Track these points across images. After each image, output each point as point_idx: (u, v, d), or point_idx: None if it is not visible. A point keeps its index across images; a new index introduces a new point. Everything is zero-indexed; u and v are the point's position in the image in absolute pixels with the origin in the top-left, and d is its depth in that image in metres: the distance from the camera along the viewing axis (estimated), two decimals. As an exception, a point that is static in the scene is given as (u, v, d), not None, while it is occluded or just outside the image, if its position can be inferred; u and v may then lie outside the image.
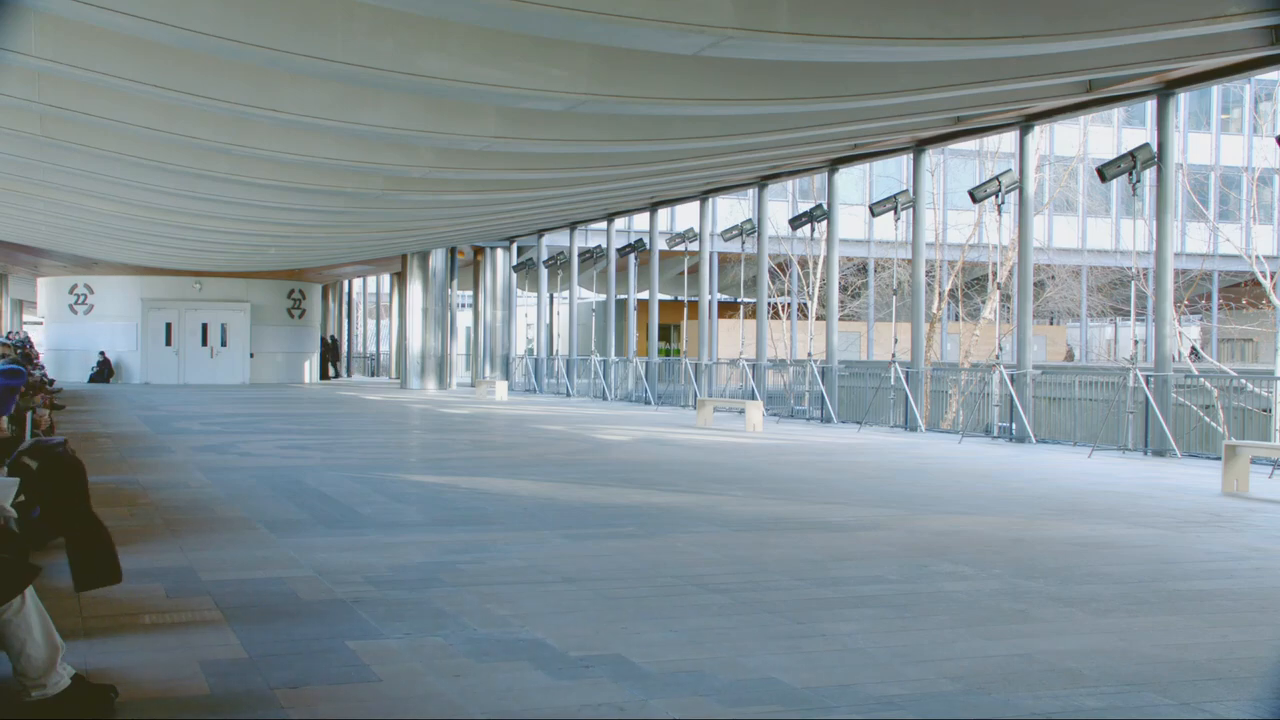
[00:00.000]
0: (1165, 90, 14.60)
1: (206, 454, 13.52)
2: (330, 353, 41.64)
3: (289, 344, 37.59)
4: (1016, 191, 16.71)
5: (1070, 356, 42.94)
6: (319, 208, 19.90)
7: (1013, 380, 16.34)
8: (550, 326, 34.39)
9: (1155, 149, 14.68)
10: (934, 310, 32.10)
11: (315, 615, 5.53)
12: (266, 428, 18.08)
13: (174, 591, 5.97)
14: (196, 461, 12.59)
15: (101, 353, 34.55)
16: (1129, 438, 14.57)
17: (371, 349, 53.19)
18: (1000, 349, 17.14)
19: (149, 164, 15.51)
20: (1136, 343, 14.54)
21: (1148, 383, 14.40)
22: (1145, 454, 14.33)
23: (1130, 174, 14.36)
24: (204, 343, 35.63)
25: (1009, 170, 16.95)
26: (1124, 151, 14.88)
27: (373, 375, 49.25)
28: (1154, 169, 14.57)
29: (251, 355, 36.14)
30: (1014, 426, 16.30)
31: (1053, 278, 40.46)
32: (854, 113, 14.71)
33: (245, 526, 8.18)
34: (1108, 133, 40.45)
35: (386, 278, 49.09)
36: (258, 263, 31.84)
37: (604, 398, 28.22)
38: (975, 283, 39.01)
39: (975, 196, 16.77)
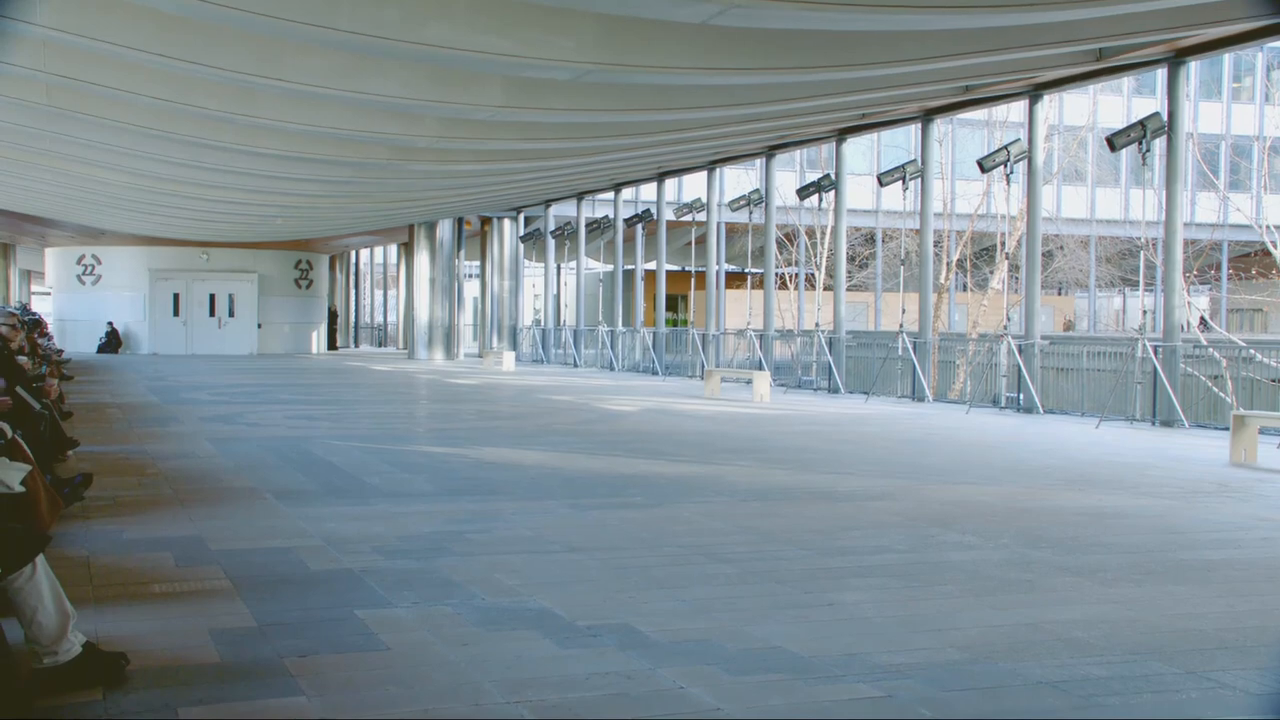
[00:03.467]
0: (1176, 59, 14.46)
1: (215, 424, 13.55)
2: (332, 324, 41.69)
3: (296, 314, 37.62)
4: (1025, 161, 16.61)
5: (1069, 326, 42.80)
6: (325, 178, 19.87)
7: (1020, 351, 16.30)
8: (557, 297, 34.37)
9: (1165, 118, 14.57)
10: (942, 280, 32.01)
11: (324, 585, 5.55)
12: (274, 398, 18.12)
13: (183, 561, 6.00)
14: (205, 432, 12.63)
15: (109, 323, 34.59)
16: (1137, 408, 14.54)
17: (379, 319, 53.22)
18: (1008, 319, 17.08)
19: (155, 134, 15.47)
20: (1145, 313, 14.49)
21: (1156, 353, 14.36)
22: (1153, 424, 14.31)
23: (1140, 143, 14.26)
24: (211, 313, 35.65)
25: (1018, 140, 16.85)
26: (1134, 120, 14.78)
27: (380, 346, 49.31)
28: (1164, 138, 14.47)
29: (259, 326, 36.17)
30: (1021, 397, 16.28)
31: (1061, 248, 40.33)
32: (861, 82, 14.62)
33: (254, 496, 8.21)
34: (1117, 102, 40.17)
35: (394, 248, 49.04)
36: (265, 233, 31.81)
37: (611, 368, 28.23)
38: (983, 253, 38.89)
39: (984, 166, 16.69)
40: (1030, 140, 16.73)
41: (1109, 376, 15.46)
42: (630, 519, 7.49)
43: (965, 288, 38.20)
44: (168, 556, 6.10)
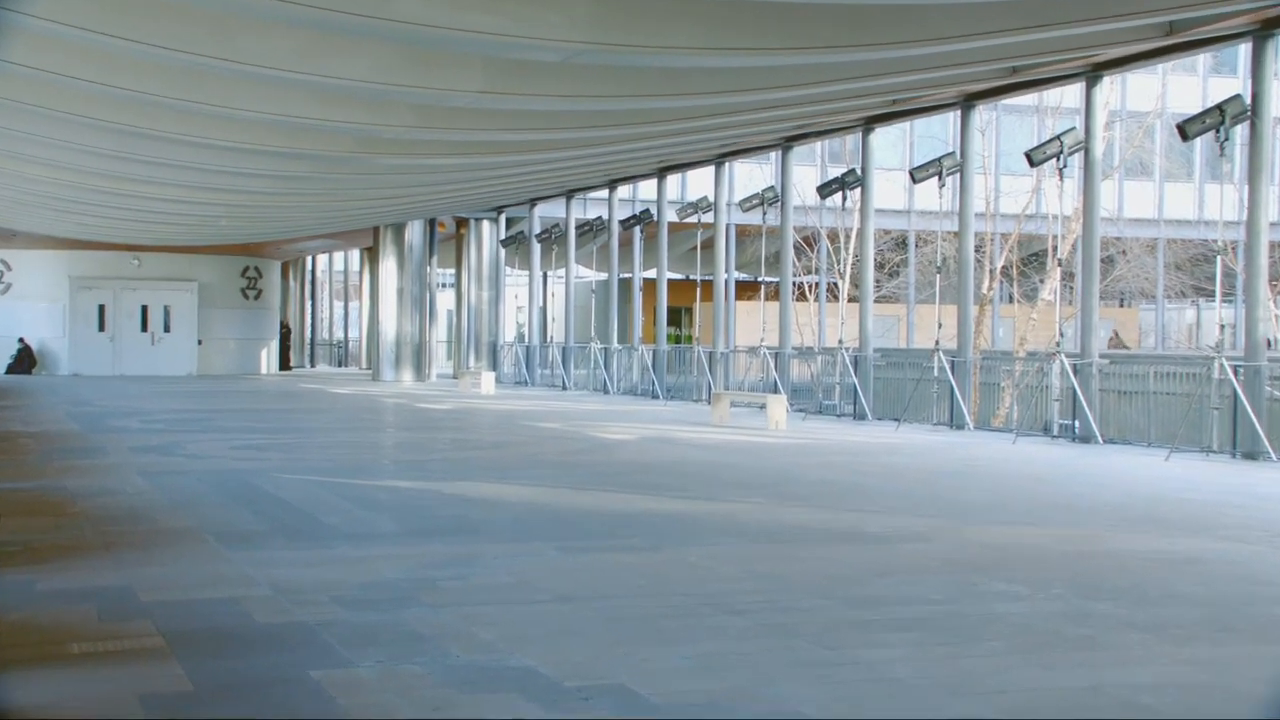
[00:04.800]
0: (1262, 31, 14.33)
1: (147, 456, 13.52)
2: (284, 340, 41.68)
3: (243, 329, 37.63)
4: (1081, 153, 16.63)
5: (1117, 343, 42.72)
6: (279, 172, 19.88)
7: (1076, 371, 16.29)
8: (544, 309, 34.37)
9: (1248, 100, 14.47)
10: (984, 290, 32.05)
11: (273, 641, 5.51)
12: (217, 425, 18.08)
13: (108, 615, 5.96)
14: (136, 464, 12.59)
15: (21, 339, 34.38)
16: (1214, 438, 14.49)
17: (339, 335, 53.26)
18: (1061, 335, 17.07)
19: (81, 121, 15.46)
20: (1223, 327, 14.45)
21: (1236, 374, 14.32)
22: (1233, 456, 14.27)
23: (1217, 131, 14.22)
24: (144, 328, 35.61)
25: (1073, 128, 16.87)
26: (1210, 105, 14.75)
27: (340, 365, 49.30)
28: (1246, 124, 14.42)
29: (199, 342, 36.16)
30: (1077, 424, 16.27)
31: (1123, 252, 40.25)
32: (892, 63, 14.64)
33: (192, 539, 8.18)
34: (1191, 83, 40.14)
35: (356, 254, 49.09)
36: (207, 235, 31.83)
37: (605, 391, 28.22)
38: (1032, 259, 38.91)
39: (1033, 159, 16.70)
40: (1088, 129, 16.76)
41: (1180, 401, 15.43)
42: (627, 563, 7.46)
43: (1011, 299, 38.24)
44: (90, 610, 6.05)
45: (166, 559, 7.43)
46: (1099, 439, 15.90)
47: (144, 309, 35.61)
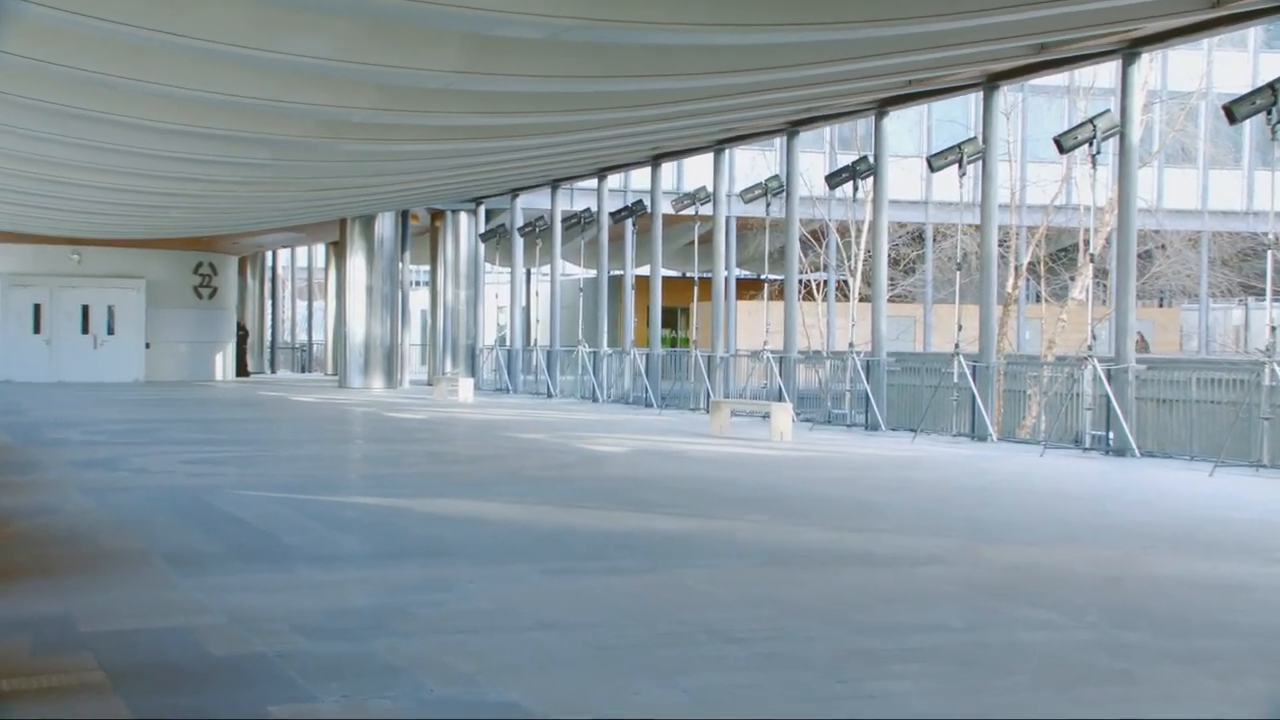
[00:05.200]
0: (1323, -1, 14.32)
1: (90, 471, 13.49)
2: (241, 343, 41.60)
3: (196, 331, 37.56)
4: (1117, 138, 16.64)
5: (1141, 346, 42.69)
6: (234, 159, 19.85)
7: (1110, 377, 16.31)
8: (527, 310, 34.34)
9: (1307, 77, 14.40)
10: (1009, 289, 32.09)
11: (229, 675, 5.51)
12: (167, 437, 18.05)
13: (43, 647, 5.94)
14: (76, 480, 12.56)
15: (-56, 344, 34.32)
16: (1264, 451, 14.48)
17: (302, 338, 53.17)
18: (1094, 338, 17.10)
19: (9, 100, 15.40)
20: (1274, 329, 14.42)
21: (1286, 380, 14.32)
22: (1284, 471, 14.28)
23: (1269, 112, 14.15)
24: (85, 330, 35.48)
25: (1107, 111, 16.89)
26: (1261, 83, 14.74)
27: (303, 371, 49.22)
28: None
29: (147, 345, 36.06)
30: (1111, 436, 16.28)
31: (1163, 247, 40.22)
32: (908, 40, 14.67)
33: (139, 562, 8.16)
34: (1240, 60, 40.02)
35: (321, 248, 49.02)
36: (155, 228, 31.76)
37: (594, 399, 28.20)
38: (1062, 254, 38.93)
39: (1063, 145, 16.72)
40: (1124, 111, 16.77)
41: (1226, 410, 15.43)
42: (617, 587, 7.46)
43: (1038, 298, 38.27)
44: (22, 641, 6.03)
45: (110, 584, 7.42)
46: (1135, 452, 15.92)
47: (85, 309, 35.47)
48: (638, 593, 7.34)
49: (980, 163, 18.89)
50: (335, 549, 8.75)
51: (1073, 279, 33.21)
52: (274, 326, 49.94)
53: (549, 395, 30.14)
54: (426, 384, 35.26)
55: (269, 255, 48.56)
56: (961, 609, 6.97)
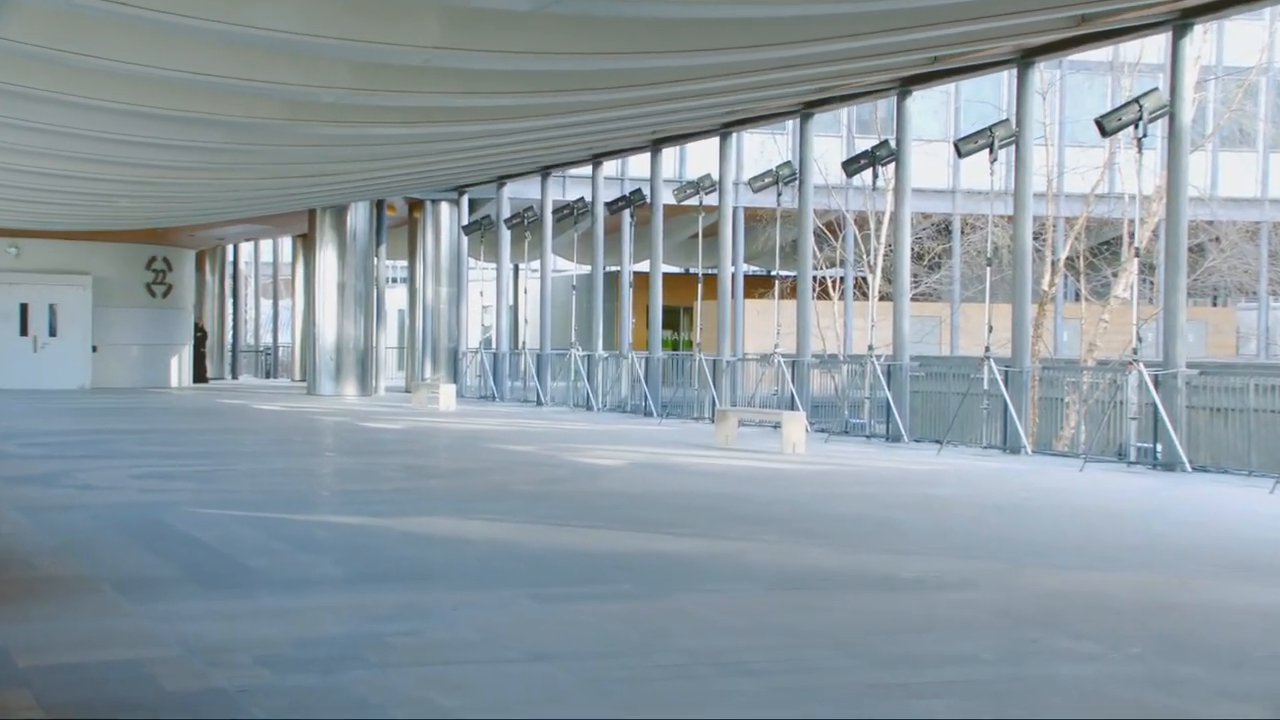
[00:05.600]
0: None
1: (29, 487, 13.47)
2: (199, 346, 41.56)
3: (148, 333, 37.52)
4: (1166, 119, 16.63)
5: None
6: (191, 143, 19.82)
7: (1157, 383, 16.29)
8: (514, 309, 34.37)
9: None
10: (1045, 286, 32.10)
11: (184, 712, 5.50)
12: (117, 450, 18.04)
13: (-18, 680, 5.93)
14: (13, 498, 12.54)
15: None
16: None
17: (266, 340, 53.17)
18: (1139, 340, 17.10)
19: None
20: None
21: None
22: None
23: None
24: (24, 331, 35.40)
25: (1155, 89, 16.90)
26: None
27: (268, 376, 49.22)
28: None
29: (94, 349, 36.02)
30: (1159, 448, 16.27)
31: (1217, 240, 40.15)
32: (934, 11, 14.67)
33: (84, 588, 8.15)
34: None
35: (288, 242, 49.02)
36: (104, 219, 31.71)
37: (588, 407, 28.20)
38: (1104, 248, 38.95)
39: (1105, 127, 16.73)
40: (1174, 89, 16.75)
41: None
42: (614, 614, 7.46)
43: (1078, 296, 38.27)
44: (-43, 675, 6.03)
45: (50, 613, 7.39)
46: (1186, 466, 15.91)
47: (24, 308, 35.37)
48: (637, 620, 7.33)
49: (1013, 147, 18.88)
50: (304, 572, 8.74)
51: (1116, 275, 33.17)
52: (236, 328, 49.93)
53: (539, 403, 30.12)
54: (404, 391, 35.24)
55: (230, 249, 48.54)
56: (994, 639, 6.97)
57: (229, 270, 49.06)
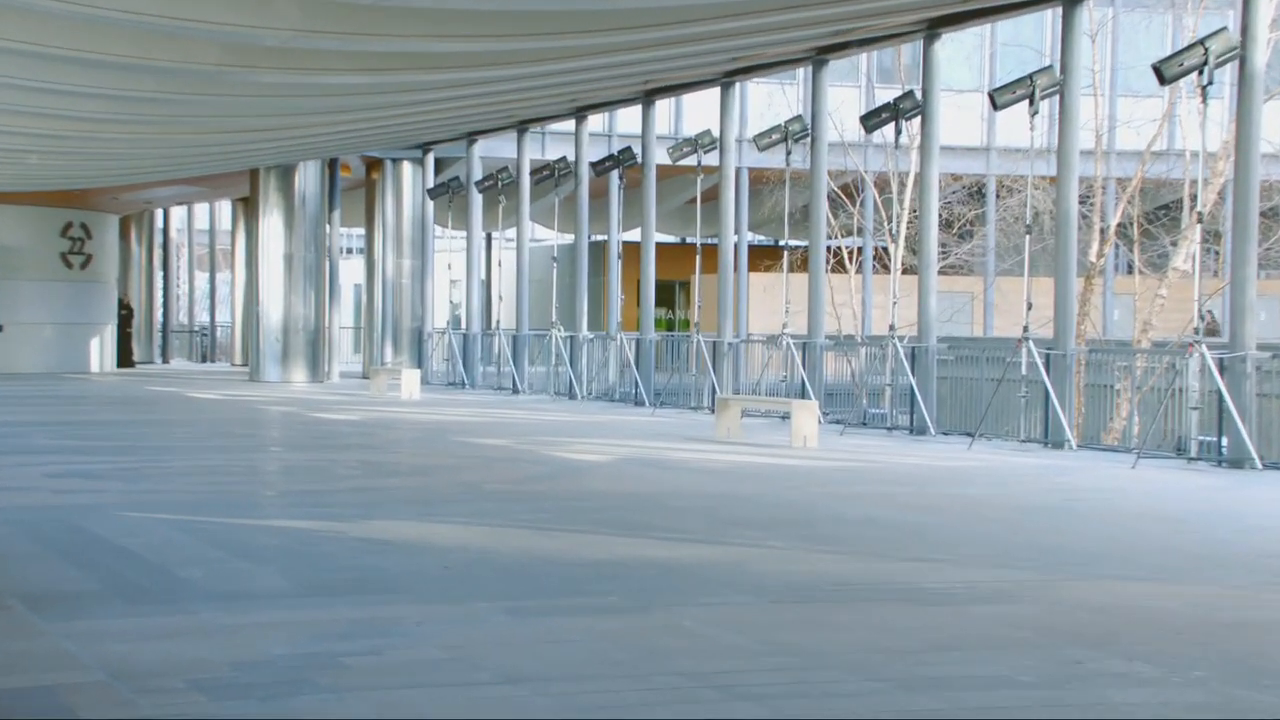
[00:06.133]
0: None
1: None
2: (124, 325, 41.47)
3: (64, 310, 37.44)
4: (1235, 64, 16.59)
5: (1212, 326, 42.50)
6: (115, 92, 19.78)
7: (1223, 368, 16.30)
8: (487, 284, 34.34)
9: None
10: (1092, 258, 32.10)
11: (110, 740, 5.48)
12: (27, 445, 18.03)
13: None
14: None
15: None
16: None
17: (203, 319, 53.09)
18: (1202, 318, 17.09)
19: None
20: None
21: None
22: None
23: None
24: (-88, 307, 35.41)
25: (1222, 30, 16.81)
26: None
27: (204, 360, 49.18)
28: None
29: (0, 328, 35.95)
30: (1225, 442, 16.27)
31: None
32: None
33: (-4, 600, 8.13)
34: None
35: (226, 207, 48.94)
36: (9, 179, 31.61)
37: (571, 395, 28.21)
38: (1161, 213, 38.93)
39: (1165, 74, 16.65)
40: (1245, 30, 16.69)
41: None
42: (601, 631, 7.46)
43: (1130, 268, 38.31)
44: None
45: (-41, 629, 7.38)
46: (1256, 463, 15.93)
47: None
48: (627, 638, 7.33)
49: (1057, 98, 18.87)
50: (246, 584, 8.72)
51: (1175, 244, 33.12)
52: (167, 304, 49.86)
53: (515, 391, 30.13)
54: (361, 377, 35.24)
55: (160, 214, 48.48)
56: (1034, 660, 6.96)
57: (159, 239, 49.00)
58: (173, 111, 22.23)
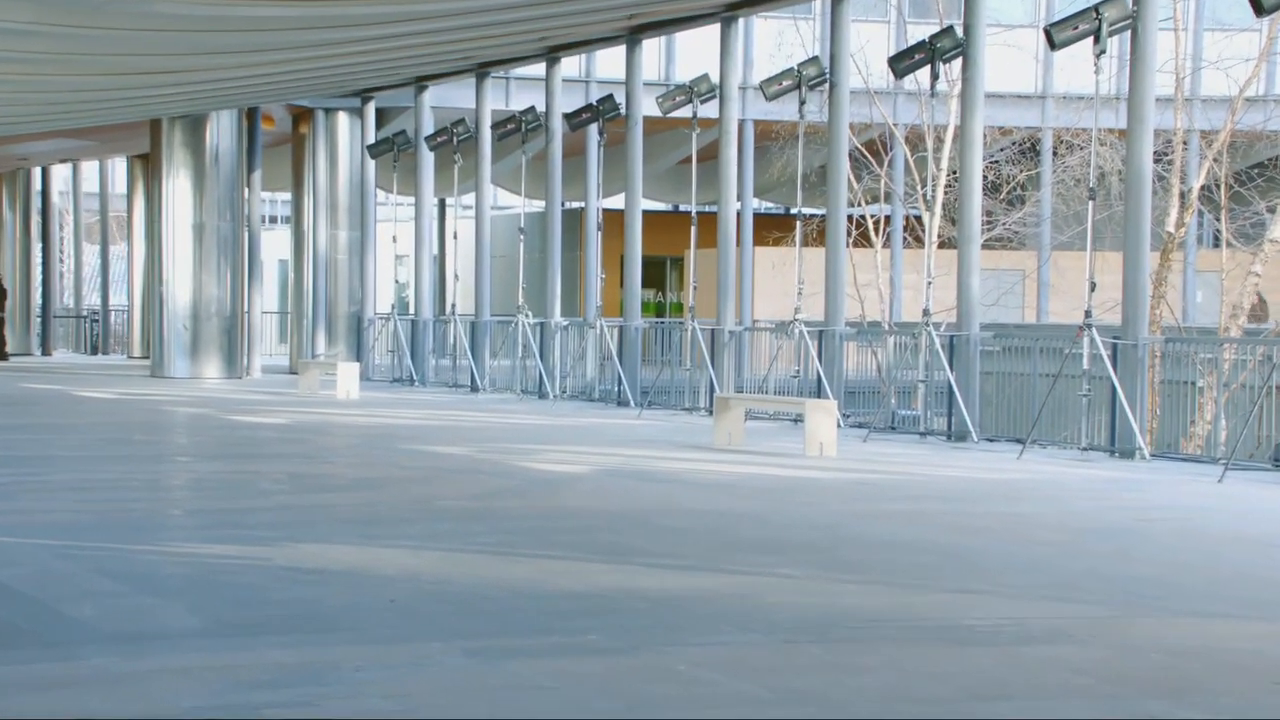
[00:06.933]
0: None
1: None
2: None
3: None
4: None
5: (1260, 311, 42.66)
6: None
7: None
8: (440, 261, 34.31)
9: None
10: (1170, 227, 32.13)
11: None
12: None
13: None
14: None
15: None
16: None
17: (93, 301, 52.91)
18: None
19: None
20: None
21: None
22: None
23: None
24: None
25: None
26: None
27: (96, 352, 49.02)
28: None
29: None
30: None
31: None
32: None
33: None
34: None
35: (121, 165, 48.80)
36: None
37: (541, 394, 28.19)
38: (1257, 173, 38.92)
39: (1263, 3, 16.67)
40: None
41: None
42: (579, 676, 7.48)
43: (1216, 240, 38.36)
44: None
45: None
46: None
47: None
48: (610, 684, 7.35)
49: (1128, 34, 18.89)
50: (148, 623, 8.71)
51: (1273, 211, 33.22)
52: (47, 285, 49.72)
53: (474, 389, 30.11)
54: (289, 372, 35.22)
55: (37, 175, 48.36)
56: (1097, 710, 7.01)
57: (36, 204, 48.86)
58: (55, 49, 22.19)
